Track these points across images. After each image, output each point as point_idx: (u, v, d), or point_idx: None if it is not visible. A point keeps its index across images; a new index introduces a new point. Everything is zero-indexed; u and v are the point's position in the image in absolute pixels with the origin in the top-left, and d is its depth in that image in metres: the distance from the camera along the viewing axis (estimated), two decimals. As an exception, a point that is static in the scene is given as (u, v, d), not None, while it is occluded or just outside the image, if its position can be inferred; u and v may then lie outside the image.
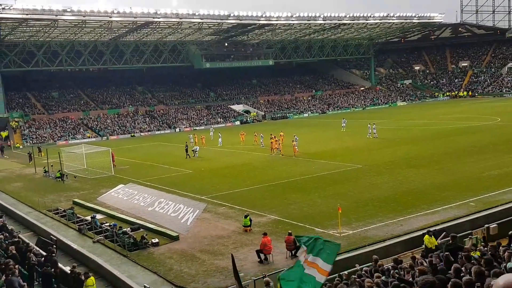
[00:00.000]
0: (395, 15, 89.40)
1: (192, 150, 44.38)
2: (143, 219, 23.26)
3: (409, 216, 20.72)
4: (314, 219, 21.39)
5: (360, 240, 18.31)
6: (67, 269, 15.75)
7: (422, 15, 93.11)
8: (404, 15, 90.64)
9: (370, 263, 13.55)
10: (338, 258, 16.20)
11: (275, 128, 59.41)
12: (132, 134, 73.76)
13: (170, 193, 26.91)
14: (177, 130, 77.12)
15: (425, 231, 17.01)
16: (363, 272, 12.65)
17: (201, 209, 21.84)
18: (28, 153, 46.45)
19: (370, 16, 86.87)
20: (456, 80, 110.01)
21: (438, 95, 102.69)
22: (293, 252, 17.31)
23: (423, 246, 16.01)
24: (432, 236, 16.02)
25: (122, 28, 71.90)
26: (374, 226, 19.81)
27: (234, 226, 21.46)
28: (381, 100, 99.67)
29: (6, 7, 56.93)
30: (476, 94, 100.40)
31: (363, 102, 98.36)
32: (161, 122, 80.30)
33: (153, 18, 68.11)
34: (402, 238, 18.07)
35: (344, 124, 57.13)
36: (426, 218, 20.34)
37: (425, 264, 11.45)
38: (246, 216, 20.87)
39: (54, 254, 15.98)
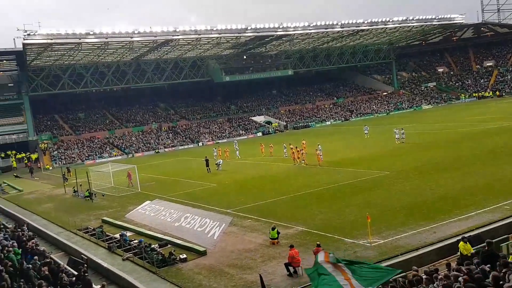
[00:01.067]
0: (414, 18, 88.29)
1: (216, 164, 44.39)
2: (170, 235, 23.26)
3: (442, 223, 20.11)
4: (343, 229, 20.98)
5: (392, 250, 17.83)
6: (97, 287, 15.78)
7: (442, 16, 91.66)
8: (424, 17, 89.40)
9: (405, 273, 13.11)
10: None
11: (297, 138, 59.14)
12: (157, 150, 74.48)
13: (196, 208, 26.92)
14: (200, 144, 77.59)
15: (459, 237, 16.44)
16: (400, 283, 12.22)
17: (227, 222, 21.71)
18: (62, 175, 46.85)
19: (389, 21, 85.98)
20: (482, 81, 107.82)
21: (461, 97, 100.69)
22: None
23: (459, 253, 15.49)
24: (467, 242, 15.48)
25: (143, 47, 73.09)
26: (406, 235, 19.28)
27: (261, 239, 21.23)
28: (405, 105, 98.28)
29: (31, 33, 58.44)
30: (504, 94, 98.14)
31: (386, 107, 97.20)
32: (184, 137, 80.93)
33: (173, 36, 69.00)
34: (436, 246, 17.48)
35: (367, 131, 56.43)
36: (460, 224, 19.71)
37: (462, 271, 11.01)
38: (273, 229, 20.62)
39: (86, 274, 16.04)
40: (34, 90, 73.94)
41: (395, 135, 47.88)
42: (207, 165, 43.75)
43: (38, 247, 20.37)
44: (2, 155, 71.16)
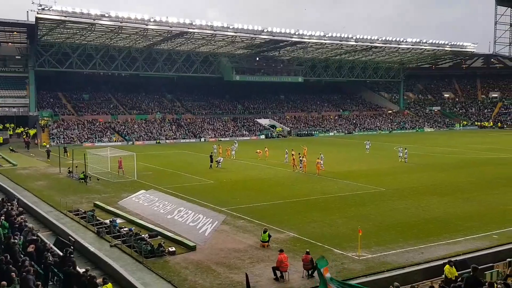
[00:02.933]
0: (428, 42, 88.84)
1: (216, 161, 44.53)
2: (161, 227, 23.29)
3: (430, 244, 20.24)
4: (334, 240, 21.09)
5: (379, 265, 17.94)
6: (81, 271, 15.83)
7: (454, 43, 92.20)
8: (437, 42, 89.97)
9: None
10: (355, 281, 15.98)
11: (299, 144, 59.22)
12: (158, 141, 74.57)
13: (191, 202, 26.96)
14: (203, 139, 77.67)
15: (446, 260, 16.61)
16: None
17: (220, 220, 21.78)
18: (46, 150, 47.52)
19: (403, 41, 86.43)
20: (485, 111, 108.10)
21: (455, 125, 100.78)
22: (309, 271, 17.08)
23: (443, 276, 15.62)
24: (453, 266, 15.63)
25: (157, 36, 73.19)
26: (394, 252, 19.40)
27: (252, 241, 21.30)
28: (408, 125, 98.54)
29: (46, 8, 58.49)
30: (505, 126, 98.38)
31: (390, 125, 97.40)
32: (187, 131, 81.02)
33: (188, 28, 69.17)
34: (422, 266, 17.61)
35: (368, 146, 56.59)
36: (448, 247, 19.85)
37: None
38: (265, 231, 20.71)
39: (72, 255, 16.08)
40: (41, 66, 73.90)
41: (399, 153, 48.32)
42: (211, 161, 44.02)
43: (27, 224, 20.43)
44: (0, 127, 71.34)
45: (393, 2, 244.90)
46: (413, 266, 17.68)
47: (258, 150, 51.21)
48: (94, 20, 62.94)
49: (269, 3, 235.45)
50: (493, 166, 44.10)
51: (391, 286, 13.85)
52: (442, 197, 30.14)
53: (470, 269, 13.80)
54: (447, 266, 15.66)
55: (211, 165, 43.87)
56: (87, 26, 65.17)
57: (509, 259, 17.36)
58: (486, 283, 12.36)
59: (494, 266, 16.97)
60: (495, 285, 12.50)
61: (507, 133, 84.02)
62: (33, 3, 59.59)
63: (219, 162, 44.45)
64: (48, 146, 59.68)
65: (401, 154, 48.08)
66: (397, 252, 19.42)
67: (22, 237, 17.78)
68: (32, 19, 64.13)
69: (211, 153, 46.06)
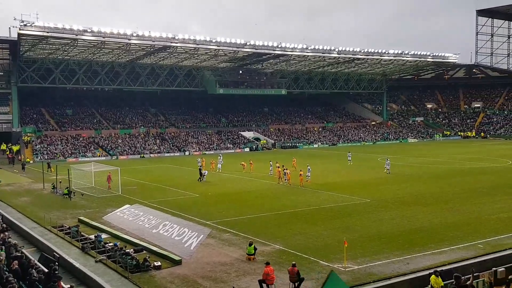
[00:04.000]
0: (410, 53, 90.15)
1: (201, 174, 44.46)
2: (147, 241, 23.10)
3: (416, 255, 20.39)
4: (319, 252, 21.13)
5: (365, 276, 18.01)
6: (66, 287, 15.61)
7: (436, 54, 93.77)
8: (419, 53, 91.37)
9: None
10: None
11: (283, 157, 59.43)
12: (142, 155, 74.10)
13: (176, 216, 26.81)
14: (187, 153, 77.38)
15: (431, 270, 16.71)
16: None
17: (205, 234, 21.68)
18: (21, 163, 47.40)
19: (385, 53, 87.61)
20: (468, 121, 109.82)
21: (434, 136, 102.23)
22: (296, 284, 17.05)
23: (429, 286, 15.73)
24: (439, 276, 15.75)
25: (140, 50, 73.15)
26: (380, 263, 19.50)
27: (238, 254, 21.24)
28: (392, 136, 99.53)
29: (28, 24, 58.14)
30: (488, 136, 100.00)
31: (373, 136, 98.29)
32: (171, 145, 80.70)
33: (171, 42, 69.24)
34: (408, 277, 17.70)
35: (350, 157, 56.83)
36: (433, 257, 20.01)
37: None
38: (250, 244, 20.67)
39: (57, 272, 15.86)
40: (24, 81, 73.17)
41: (385, 165, 47.58)
42: (200, 175, 44.15)
43: (10, 240, 20.11)
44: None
45: (375, 15, 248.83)
46: (399, 277, 17.78)
47: (242, 162, 51.30)
48: (76, 35, 62.66)
49: (253, 15, 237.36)
50: (476, 175, 44.72)
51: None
52: (426, 207, 30.43)
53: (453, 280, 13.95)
54: (433, 276, 15.76)
55: (200, 178, 43.86)
56: (69, 41, 64.86)
57: (494, 268, 17.58)
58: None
59: (480, 276, 17.15)
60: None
61: (490, 143, 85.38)
62: (15, 19, 59.24)
63: (204, 175, 44.38)
64: (24, 161, 59.28)
65: (387, 166, 47.17)
66: (383, 262, 19.52)
67: (4, 253, 17.48)
68: (14, 35, 63.63)
69: (200, 166, 46.05)
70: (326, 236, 23.96)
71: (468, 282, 14.29)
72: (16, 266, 15.85)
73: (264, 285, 16.99)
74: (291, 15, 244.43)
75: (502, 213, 28.21)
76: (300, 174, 40.38)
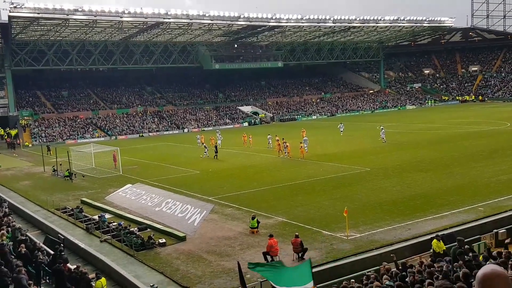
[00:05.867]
0: (406, 19, 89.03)
1: (204, 147, 44.75)
2: (150, 219, 23.29)
3: (417, 220, 20.57)
4: (321, 222, 21.31)
5: (367, 244, 18.20)
6: (73, 267, 15.80)
7: (432, 19, 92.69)
8: (414, 18, 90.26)
9: (378, 267, 13.47)
10: (345, 261, 16.20)
11: (283, 130, 59.39)
12: (141, 134, 74.05)
13: (178, 194, 26.95)
14: (186, 130, 77.35)
15: (433, 235, 16.91)
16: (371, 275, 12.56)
17: (208, 210, 21.83)
18: (10, 142, 47.51)
19: (380, 20, 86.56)
20: (466, 85, 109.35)
21: (429, 102, 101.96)
22: (300, 254, 17.26)
23: (431, 250, 15.92)
24: (441, 240, 15.92)
25: (132, 28, 72.24)
26: (382, 230, 19.68)
27: (241, 228, 21.43)
28: (390, 104, 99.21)
29: (18, 6, 57.31)
30: (486, 99, 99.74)
31: (372, 105, 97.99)
32: (169, 123, 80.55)
33: (164, 18, 68.37)
34: (410, 242, 17.92)
35: (342, 128, 56.11)
36: (434, 222, 20.18)
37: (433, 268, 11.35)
38: (253, 218, 20.84)
39: (63, 253, 16.03)
40: (17, 65, 72.53)
41: (381, 134, 47.41)
42: (216, 151, 43.40)
43: (14, 224, 20.24)
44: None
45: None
46: (401, 243, 17.99)
47: (244, 134, 51.49)
48: (67, 15, 61.84)
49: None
50: (474, 139, 44.68)
51: (384, 263, 14.08)
52: (426, 173, 30.55)
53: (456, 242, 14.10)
54: (434, 240, 15.94)
55: (215, 155, 43.17)
56: (61, 21, 64.00)
57: (495, 230, 17.77)
58: (470, 255, 12.65)
59: (481, 238, 17.36)
60: (480, 256, 12.79)
61: (488, 106, 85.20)
62: (4, 1, 58.21)
63: (206, 151, 44.44)
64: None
65: (382, 135, 46.63)
66: (385, 230, 19.70)
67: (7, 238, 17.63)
68: (5, 18, 62.83)
69: (216, 144, 45.81)
70: (327, 206, 24.13)
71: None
72: (25, 249, 16.01)
73: (268, 257, 17.20)
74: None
75: (502, 175, 28.31)
76: (301, 147, 40.42)
